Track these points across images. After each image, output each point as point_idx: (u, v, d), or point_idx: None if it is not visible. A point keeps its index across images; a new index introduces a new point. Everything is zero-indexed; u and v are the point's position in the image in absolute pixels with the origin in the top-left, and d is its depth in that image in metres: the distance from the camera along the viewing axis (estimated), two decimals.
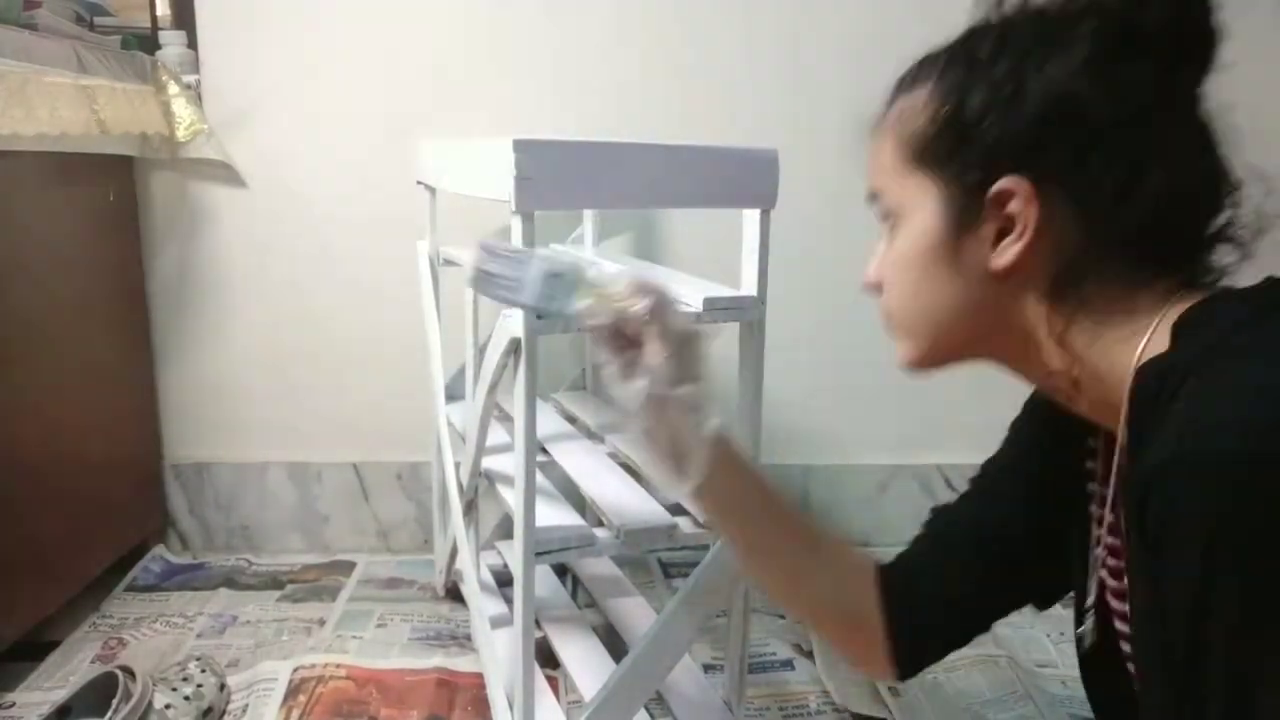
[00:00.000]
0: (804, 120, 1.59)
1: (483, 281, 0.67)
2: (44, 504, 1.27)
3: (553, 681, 1.26)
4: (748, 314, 1.00)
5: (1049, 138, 0.56)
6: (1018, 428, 0.81)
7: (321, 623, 1.42)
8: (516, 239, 0.87)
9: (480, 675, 1.25)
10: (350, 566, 1.62)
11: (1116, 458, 0.58)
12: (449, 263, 1.34)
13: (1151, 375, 0.54)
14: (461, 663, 1.28)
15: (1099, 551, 0.66)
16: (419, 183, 1.34)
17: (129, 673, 1.08)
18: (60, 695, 1.09)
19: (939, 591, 0.75)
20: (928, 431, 1.71)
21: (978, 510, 0.77)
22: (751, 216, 0.99)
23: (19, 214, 1.23)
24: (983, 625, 0.77)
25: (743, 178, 0.97)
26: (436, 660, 1.28)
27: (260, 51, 1.54)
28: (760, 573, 0.79)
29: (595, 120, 1.58)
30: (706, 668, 1.30)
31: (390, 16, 1.54)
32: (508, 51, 1.56)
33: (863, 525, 1.75)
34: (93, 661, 1.30)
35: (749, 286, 1.00)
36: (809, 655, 1.34)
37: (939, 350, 0.65)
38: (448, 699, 1.20)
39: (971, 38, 0.63)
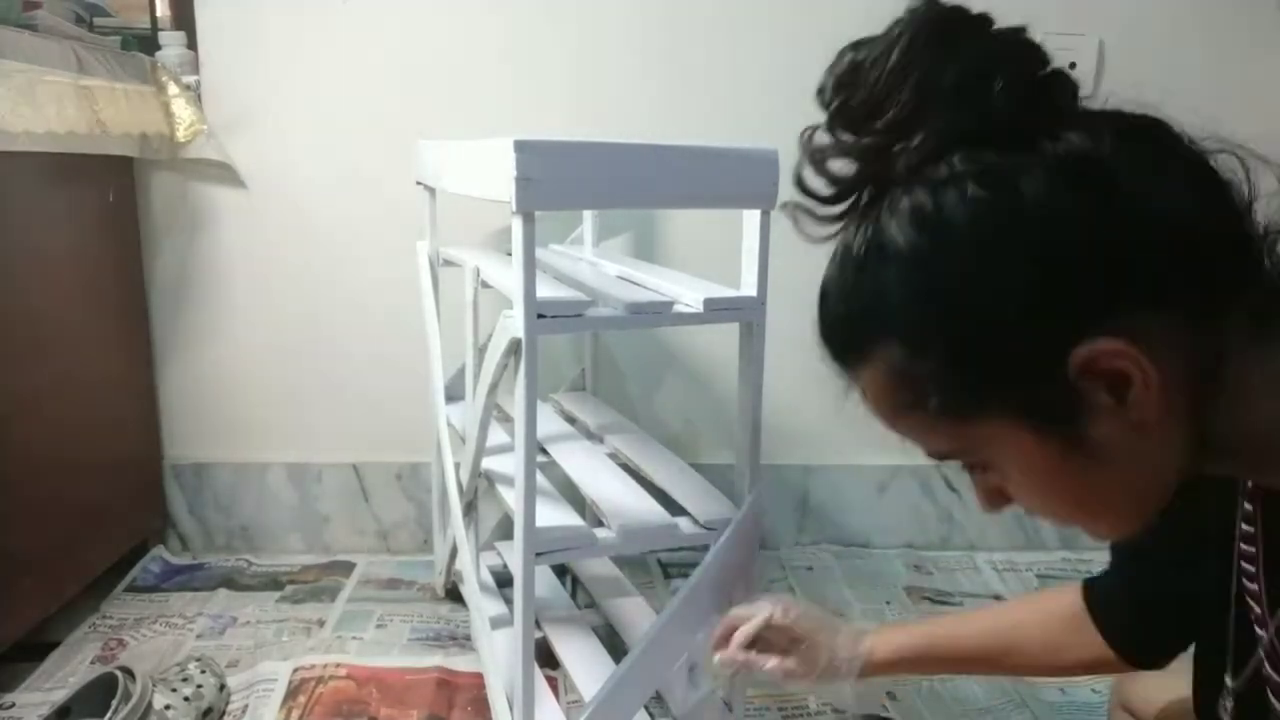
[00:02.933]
0: (805, 121, 1.59)
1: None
2: (43, 504, 1.27)
3: (552, 681, 1.26)
4: (747, 314, 1.00)
5: (1064, 295, 0.48)
6: None
7: (321, 623, 1.42)
8: (516, 239, 0.87)
9: (480, 675, 1.25)
10: (350, 567, 1.62)
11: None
12: (448, 263, 1.34)
13: None
14: (461, 663, 1.28)
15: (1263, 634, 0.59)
16: (418, 183, 1.34)
17: (129, 673, 1.08)
18: (60, 696, 1.09)
19: (1140, 602, 0.75)
20: None
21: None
22: (752, 217, 0.98)
23: (18, 214, 1.23)
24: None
25: (743, 178, 0.96)
26: (436, 660, 1.28)
27: (260, 52, 1.54)
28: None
29: (596, 121, 1.58)
30: None
31: (390, 17, 1.54)
32: (508, 52, 1.56)
33: (862, 525, 1.75)
34: (93, 662, 1.30)
35: (749, 287, 0.99)
36: None
37: (1139, 514, 0.55)
38: (447, 699, 1.20)
39: (866, 260, 0.52)
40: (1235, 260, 0.50)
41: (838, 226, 0.54)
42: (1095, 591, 0.78)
